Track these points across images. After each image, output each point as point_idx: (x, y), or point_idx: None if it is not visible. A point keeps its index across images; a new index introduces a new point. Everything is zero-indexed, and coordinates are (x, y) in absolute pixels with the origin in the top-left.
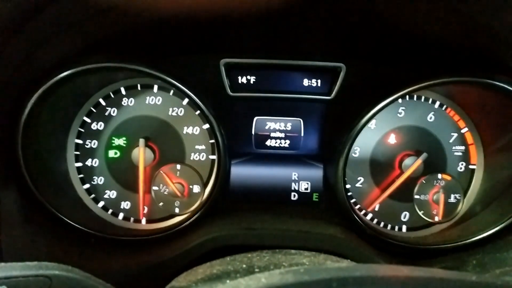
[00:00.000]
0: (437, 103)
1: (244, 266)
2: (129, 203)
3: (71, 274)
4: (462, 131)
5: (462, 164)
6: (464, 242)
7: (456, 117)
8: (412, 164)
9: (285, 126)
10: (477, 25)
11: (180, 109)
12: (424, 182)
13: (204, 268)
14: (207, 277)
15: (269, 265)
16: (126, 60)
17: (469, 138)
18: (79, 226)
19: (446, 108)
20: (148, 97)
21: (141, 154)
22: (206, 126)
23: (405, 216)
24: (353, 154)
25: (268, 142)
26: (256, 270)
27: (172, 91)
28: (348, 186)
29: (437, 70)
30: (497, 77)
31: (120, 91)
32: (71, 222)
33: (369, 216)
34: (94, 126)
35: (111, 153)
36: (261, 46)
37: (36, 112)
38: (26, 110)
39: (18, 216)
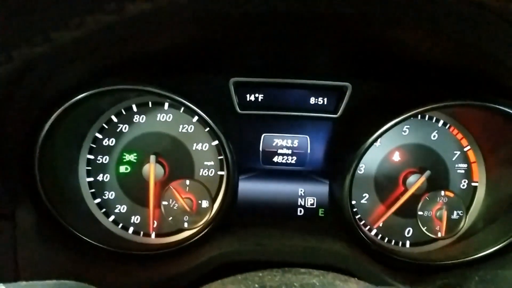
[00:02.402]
0: (441, 121)
1: (256, 285)
2: (139, 218)
3: None
4: (465, 149)
5: (464, 182)
6: (467, 259)
7: (459, 136)
8: (416, 182)
9: (292, 143)
10: (482, 54)
11: (190, 126)
12: (427, 198)
13: (216, 285)
14: None
15: (280, 285)
16: (139, 82)
17: (472, 156)
18: (92, 241)
19: (449, 127)
20: (159, 114)
21: (152, 170)
22: (215, 142)
23: (408, 232)
24: (358, 171)
25: (275, 159)
26: None
27: (182, 109)
28: (353, 202)
29: (442, 92)
30: (500, 101)
31: (131, 108)
32: (84, 237)
33: (374, 231)
34: (105, 142)
35: (122, 169)
36: (269, 66)
37: (52, 132)
38: (43, 132)
39: (33, 233)
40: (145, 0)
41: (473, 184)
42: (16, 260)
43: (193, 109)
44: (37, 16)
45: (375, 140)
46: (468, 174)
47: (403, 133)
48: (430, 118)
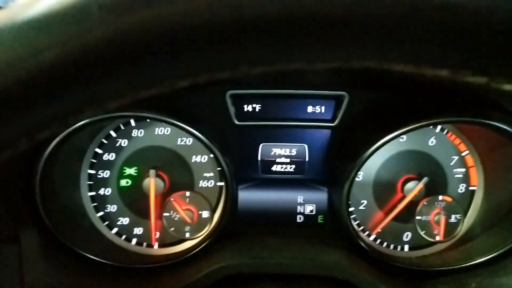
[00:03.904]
0: (438, 127)
1: None
2: (141, 229)
3: None
4: (463, 154)
5: (462, 186)
6: (464, 265)
7: (457, 141)
8: (414, 189)
9: (290, 152)
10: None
11: (188, 139)
12: (425, 204)
13: None
14: None
15: None
16: (136, 108)
17: (470, 160)
18: (96, 258)
19: (447, 133)
20: (157, 128)
21: (152, 185)
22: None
23: (407, 236)
24: (356, 179)
25: (274, 168)
26: None
27: None
28: (352, 208)
29: (440, 107)
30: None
31: (130, 123)
32: (88, 255)
33: (372, 237)
34: (105, 157)
35: (123, 182)
36: (266, 78)
37: (54, 154)
38: (45, 154)
39: (38, 255)
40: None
41: (471, 188)
42: (22, 283)
43: (187, 130)
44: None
45: (375, 151)
46: (466, 178)
47: (400, 139)
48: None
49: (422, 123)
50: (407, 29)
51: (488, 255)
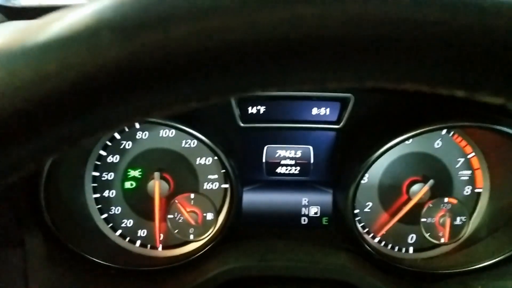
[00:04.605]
0: (444, 130)
1: None
2: (145, 231)
3: None
4: (469, 156)
5: (468, 188)
6: (469, 268)
7: (463, 143)
8: (419, 191)
9: (295, 154)
10: None
11: (193, 141)
12: (431, 206)
13: None
14: None
15: None
16: None
17: (476, 163)
18: (100, 261)
19: (452, 135)
20: (161, 130)
21: (157, 187)
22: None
23: (412, 238)
24: (362, 181)
25: (278, 169)
26: None
27: None
28: (357, 210)
29: (448, 110)
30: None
31: (134, 125)
32: (93, 258)
33: (377, 239)
34: (110, 159)
35: (127, 184)
36: None
37: (58, 157)
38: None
39: (42, 259)
40: None
41: (476, 190)
42: (27, 286)
43: (187, 131)
44: None
45: (382, 154)
46: (472, 180)
47: (406, 141)
48: None
49: (429, 128)
50: (423, 52)
51: (494, 259)
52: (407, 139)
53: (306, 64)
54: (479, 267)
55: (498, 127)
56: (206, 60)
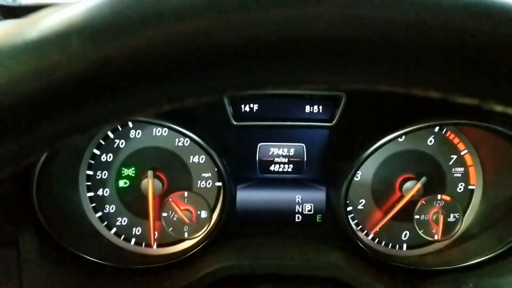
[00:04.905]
0: (437, 127)
1: None
2: (140, 229)
3: None
4: (462, 153)
5: (461, 185)
6: (462, 265)
7: (456, 140)
8: (412, 188)
9: (288, 152)
10: None
11: (186, 139)
12: (424, 203)
13: None
14: None
15: None
16: None
17: (469, 159)
18: (95, 259)
19: (446, 132)
20: (154, 129)
21: (150, 186)
22: None
23: (405, 235)
24: (355, 178)
25: (272, 167)
26: None
27: None
28: (350, 208)
29: (440, 108)
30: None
31: (127, 124)
32: (87, 256)
33: (371, 236)
34: (103, 157)
35: (121, 183)
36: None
37: (51, 156)
38: (42, 156)
39: (37, 258)
40: None
41: (469, 187)
42: (21, 286)
43: (178, 130)
44: None
45: (374, 152)
46: (465, 177)
47: (399, 139)
48: None
49: (421, 125)
50: (399, 54)
51: (486, 255)
52: (399, 136)
53: (291, 65)
54: (472, 264)
55: (491, 125)
56: (171, 64)
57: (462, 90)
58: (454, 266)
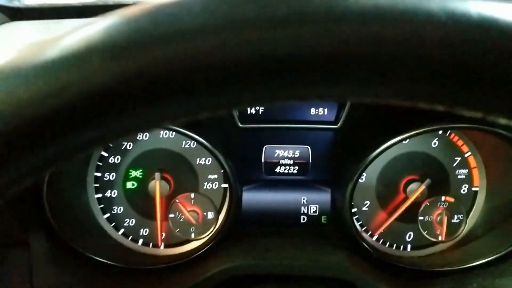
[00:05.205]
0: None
1: None
2: (147, 230)
3: None
4: (466, 155)
5: (465, 187)
6: (466, 266)
7: (460, 142)
8: (416, 190)
9: (293, 154)
10: None
11: (193, 142)
12: (428, 204)
13: None
14: None
15: None
16: None
17: (472, 161)
18: (104, 260)
19: (449, 134)
20: (162, 131)
21: (157, 187)
22: None
23: (409, 236)
24: (359, 180)
25: (277, 169)
26: None
27: None
28: (354, 209)
29: (444, 112)
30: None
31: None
32: (96, 257)
33: (375, 237)
34: (111, 159)
35: (129, 185)
36: None
37: None
38: None
39: (47, 259)
40: None
41: (473, 189)
42: (32, 286)
43: (185, 133)
44: None
45: (379, 155)
46: (469, 179)
47: (403, 141)
48: None
49: (426, 129)
50: (403, 68)
51: (490, 257)
52: (404, 139)
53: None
54: (476, 265)
55: (495, 129)
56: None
57: (466, 104)
58: (458, 267)
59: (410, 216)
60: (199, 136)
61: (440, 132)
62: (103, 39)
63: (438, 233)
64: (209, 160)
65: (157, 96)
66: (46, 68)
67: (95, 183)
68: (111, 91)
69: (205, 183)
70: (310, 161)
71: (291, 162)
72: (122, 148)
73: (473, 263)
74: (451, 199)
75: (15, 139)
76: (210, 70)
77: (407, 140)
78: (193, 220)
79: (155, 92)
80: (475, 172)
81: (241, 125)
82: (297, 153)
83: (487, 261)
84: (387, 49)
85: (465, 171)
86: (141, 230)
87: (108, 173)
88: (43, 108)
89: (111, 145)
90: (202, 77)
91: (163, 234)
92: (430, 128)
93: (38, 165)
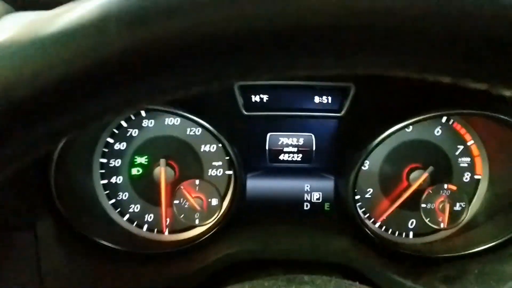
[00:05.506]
0: (444, 117)
1: None
2: (152, 216)
3: None
4: (468, 143)
5: (467, 175)
6: (467, 252)
7: (463, 131)
8: (419, 178)
9: (297, 141)
10: None
11: (197, 128)
12: (430, 192)
13: None
14: None
15: None
16: None
17: (475, 150)
18: (109, 244)
19: (452, 122)
20: (167, 118)
21: (162, 173)
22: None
23: (412, 223)
24: (362, 167)
25: (281, 157)
26: None
27: None
28: (357, 197)
29: (447, 98)
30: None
31: (140, 113)
32: (101, 241)
33: (378, 224)
34: (117, 146)
35: (134, 171)
36: None
37: (68, 144)
38: (60, 145)
39: (54, 243)
40: None
41: (476, 177)
42: (40, 271)
43: (196, 121)
44: None
45: (381, 141)
46: (471, 167)
47: (406, 129)
48: None
49: (428, 115)
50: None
51: (491, 243)
52: (407, 126)
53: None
54: (477, 251)
55: (498, 115)
56: (204, 49)
57: (472, 75)
58: (460, 254)
59: (413, 203)
60: (206, 122)
61: (443, 120)
62: (118, 7)
63: (441, 220)
64: (213, 147)
65: (176, 63)
66: (62, 35)
67: (100, 169)
68: (126, 58)
69: (210, 170)
70: (314, 148)
71: (295, 149)
72: (128, 134)
73: (474, 249)
74: (454, 187)
75: (32, 106)
76: (225, 39)
77: (410, 128)
78: (197, 207)
79: (173, 59)
80: (478, 161)
81: (245, 113)
82: (301, 141)
83: (489, 247)
84: (387, 20)
85: (468, 159)
86: (146, 216)
87: (113, 160)
88: (59, 75)
89: (117, 132)
90: (224, 44)
91: (168, 220)
92: (433, 114)
93: (54, 131)
